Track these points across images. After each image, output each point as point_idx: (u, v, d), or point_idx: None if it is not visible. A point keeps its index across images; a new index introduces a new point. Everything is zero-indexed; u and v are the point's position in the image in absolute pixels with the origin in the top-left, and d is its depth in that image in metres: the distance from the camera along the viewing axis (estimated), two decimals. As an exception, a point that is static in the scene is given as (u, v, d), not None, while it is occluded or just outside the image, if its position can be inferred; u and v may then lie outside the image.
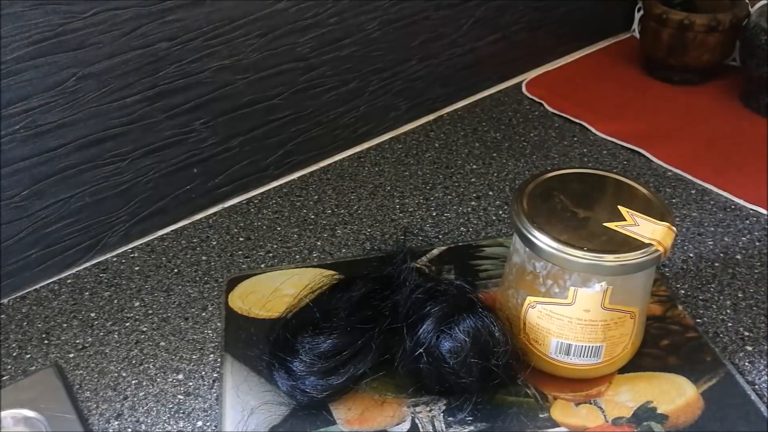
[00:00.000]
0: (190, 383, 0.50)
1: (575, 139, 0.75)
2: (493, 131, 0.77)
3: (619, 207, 0.45)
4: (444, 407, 0.46)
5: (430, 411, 0.46)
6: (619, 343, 0.46)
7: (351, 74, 0.71)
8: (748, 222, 0.63)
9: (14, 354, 0.53)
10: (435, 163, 0.72)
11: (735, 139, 0.74)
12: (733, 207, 0.65)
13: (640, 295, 0.46)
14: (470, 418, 0.45)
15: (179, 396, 0.49)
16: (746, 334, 0.52)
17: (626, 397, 0.47)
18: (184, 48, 0.58)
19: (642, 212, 0.45)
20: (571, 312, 0.44)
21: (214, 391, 0.49)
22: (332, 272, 0.56)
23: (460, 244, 0.60)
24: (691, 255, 0.60)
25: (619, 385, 0.48)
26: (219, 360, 0.51)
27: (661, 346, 0.50)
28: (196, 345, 0.53)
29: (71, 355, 0.52)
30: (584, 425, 0.45)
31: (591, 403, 0.47)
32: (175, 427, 0.47)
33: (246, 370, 0.49)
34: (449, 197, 0.67)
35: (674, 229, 0.44)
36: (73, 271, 0.60)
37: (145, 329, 0.54)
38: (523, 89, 0.84)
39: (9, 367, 0.51)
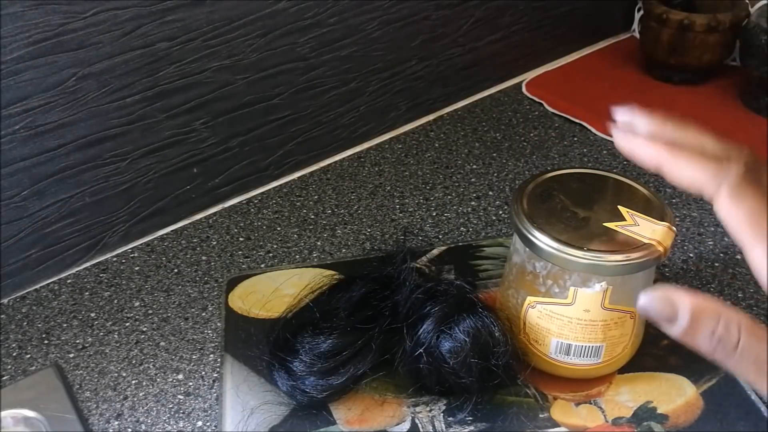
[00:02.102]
0: (190, 383, 0.50)
1: (575, 139, 0.75)
2: (493, 131, 0.77)
3: (619, 207, 0.45)
4: (444, 407, 0.46)
5: (430, 411, 0.46)
6: (619, 343, 0.46)
7: (351, 74, 0.71)
8: (748, 222, 0.63)
9: (14, 354, 0.53)
10: (435, 163, 0.72)
11: (735, 139, 0.73)
12: (733, 207, 0.65)
13: (640, 295, 0.46)
14: (470, 418, 0.45)
15: (179, 396, 0.49)
16: (746, 334, 0.52)
17: (626, 397, 0.47)
18: (184, 48, 0.58)
19: (642, 212, 0.45)
20: (571, 312, 0.44)
21: (214, 391, 0.49)
22: (332, 272, 0.56)
23: (460, 244, 0.60)
24: (691, 255, 0.60)
25: (619, 385, 0.48)
26: (219, 360, 0.51)
27: (661, 346, 0.50)
28: (196, 345, 0.53)
29: (71, 355, 0.52)
30: (584, 425, 0.45)
31: (591, 403, 0.47)
32: (175, 427, 0.47)
33: (246, 370, 0.49)
34: (449, 197, 0.67)
35: (674, 229, 0.44)
36: (73, 271, 0.60)
37: (145, 329, 0.54)
38: (523, 89, 0.84)
39: (9, 367, 0.51)
